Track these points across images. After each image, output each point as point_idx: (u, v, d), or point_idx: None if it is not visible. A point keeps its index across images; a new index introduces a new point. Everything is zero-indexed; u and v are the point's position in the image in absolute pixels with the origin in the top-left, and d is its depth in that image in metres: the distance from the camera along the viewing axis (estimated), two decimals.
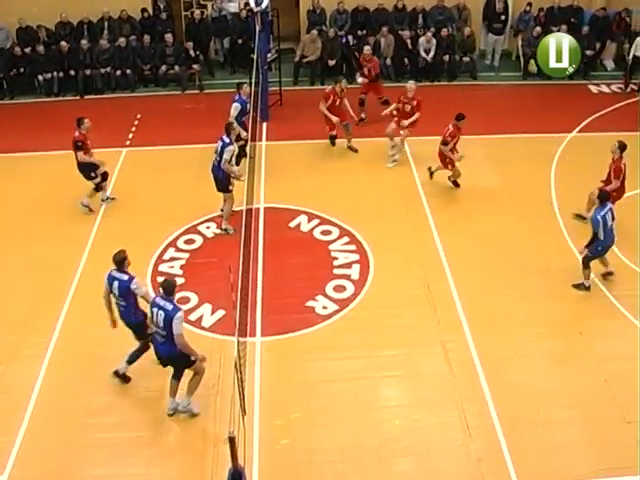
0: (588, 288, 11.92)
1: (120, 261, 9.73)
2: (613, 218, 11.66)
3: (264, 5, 16.44)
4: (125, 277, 9.68)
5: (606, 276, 12.14)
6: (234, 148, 13.10)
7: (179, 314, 9.11)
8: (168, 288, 9.31)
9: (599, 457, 9.20)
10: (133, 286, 9.63)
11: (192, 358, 9.42)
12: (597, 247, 11.66)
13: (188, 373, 9.62)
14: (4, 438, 9.39)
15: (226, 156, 12.79)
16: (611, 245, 11.81)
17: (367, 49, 17.62)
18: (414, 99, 15.39)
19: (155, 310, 9.22)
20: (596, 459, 9.17)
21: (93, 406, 9.89)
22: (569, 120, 17.32)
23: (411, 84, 15.54)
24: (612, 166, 12.92)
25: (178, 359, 9.39)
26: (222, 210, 13.47)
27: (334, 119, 15.44)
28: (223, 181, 13.09)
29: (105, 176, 13.99)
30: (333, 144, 16.02)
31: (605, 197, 11.71)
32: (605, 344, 11.04)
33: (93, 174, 13.77)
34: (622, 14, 20.18)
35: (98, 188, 13.93)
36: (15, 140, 16.63)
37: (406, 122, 15.39)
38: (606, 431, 9.54)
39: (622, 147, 12.88)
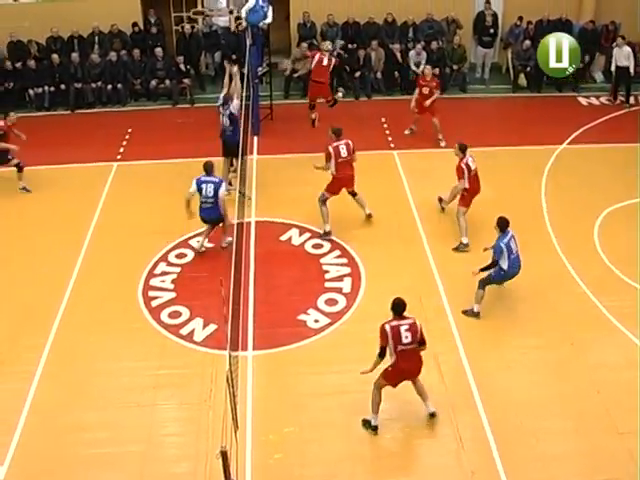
0: (477, 315, 11.53)
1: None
2: (516, 244, 11.31)
3: (268, 20, 16.43)
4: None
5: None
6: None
7: (224, 183, 12.77)
8: (209, 167, 12.61)
9: (592, 468, 9.21)
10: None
11: (227, 218, 12.70)
12: (500, 272, 11.31)
13: None
14: None
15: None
16: (517, 273, 11.41)
17: (428, 69, 17.25)
18: (432, 81, 16.79)
19: (204, 186, 12.49)
20: (590, 470, 9.18)
21: (84, 421, 9.82)
22: (559, 132, 17.35)
23: (428, 68, 17.16)
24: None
25: (216, 221, 12.86)
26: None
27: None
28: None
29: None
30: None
31: (505, 224, 11.30)
32: (597, 355, 11.06)
33: (10, 156, 14.98)
34: (609, 27, 20.31)
35: (19, 168, 15.02)
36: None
37: (428, 102, 16.69)
38: (599, 442, 9.54)
39: (462, 148, 12.88)
